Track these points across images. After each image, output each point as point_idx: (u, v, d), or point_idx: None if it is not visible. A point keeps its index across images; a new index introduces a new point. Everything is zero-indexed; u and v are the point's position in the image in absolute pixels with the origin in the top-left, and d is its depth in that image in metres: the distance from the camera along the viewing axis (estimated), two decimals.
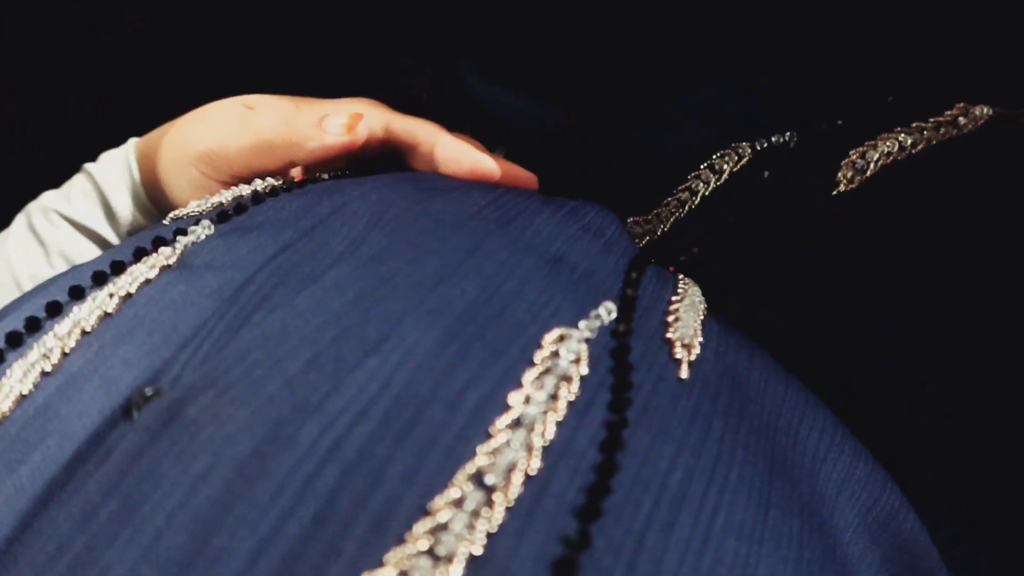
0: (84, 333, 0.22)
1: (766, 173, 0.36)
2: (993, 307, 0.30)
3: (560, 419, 0.19)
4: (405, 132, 0.34)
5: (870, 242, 0.33)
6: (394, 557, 0.16)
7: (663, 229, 0.37)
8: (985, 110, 0.36)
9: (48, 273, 0.38)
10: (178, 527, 0.16)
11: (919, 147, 0.35)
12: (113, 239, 0.38)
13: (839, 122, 0.36)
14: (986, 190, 0.34)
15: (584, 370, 0.21)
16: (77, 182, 0.39)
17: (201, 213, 0.29)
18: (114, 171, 0.38)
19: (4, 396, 0.21)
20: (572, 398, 0.20)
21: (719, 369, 0.25)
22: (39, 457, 0.18)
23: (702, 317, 0.27)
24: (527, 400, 0.19)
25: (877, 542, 0.27)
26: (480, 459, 0.18)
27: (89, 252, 0.38)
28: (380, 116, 0.34)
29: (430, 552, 0.16)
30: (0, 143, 0.43)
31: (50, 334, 0.22)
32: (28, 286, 0.38)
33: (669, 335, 0.24)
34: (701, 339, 0.25)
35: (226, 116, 0.35)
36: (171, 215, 0.30)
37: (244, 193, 0.31)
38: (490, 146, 0.40)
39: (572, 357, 0.21)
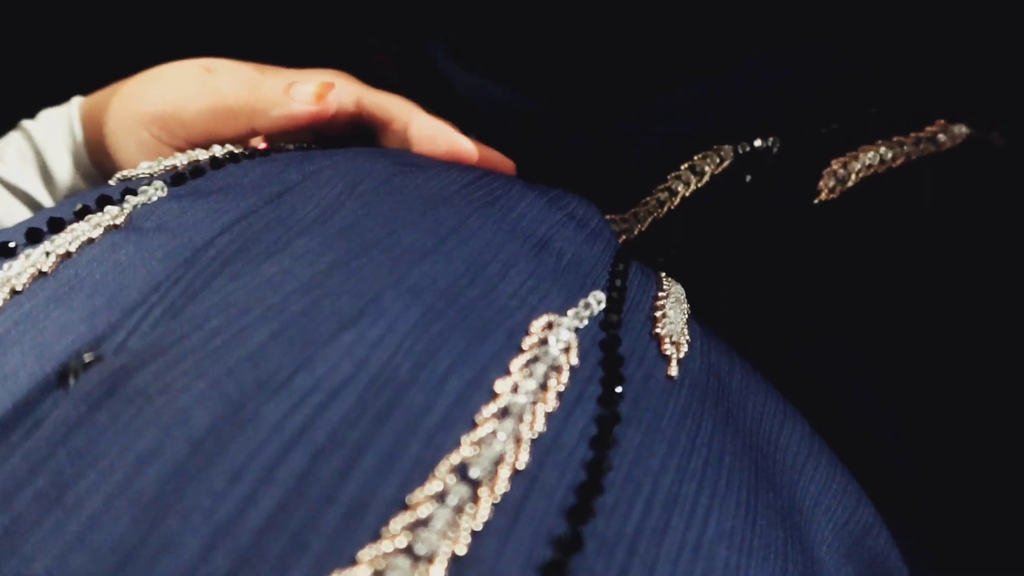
0: (14, 292, 0.20)
1: (748, 177, 0.35)
2: (962, 334, 0.30)
3: (550, 411, 0.18)
4: (378, 107, 0.32)
5: (843, 257, 0.33)
6: (368, 555, 0.14)
7: (640, 228, 0.35)
8: (963, 129, 0.36)
9: None
10: (118, 512, 0.14)
11: (898, 161, 0.35)
12: (48, 204, 0.35)
13: (822, 130, 0.35)
14: (961, 210, 0.34)
15: (574, 360, 0.19)
16: (11, 140, 0.36)
17: (152, 175, 0.27)
18: (54, 129, 0.35)
19: None
20: (562, 389, 0.19)
21: (704, 369, 0.24)
22: None
23: (686, 316, 0.26)
24: (515, 389, 0.18)
25: (851, 558, 0.26)
26: (465, 450, 0.16)
27: (20, 216, 0.35)
28: (351, 89, 0.32)
29: (408, 550, 0.15)
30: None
31: None
32: None
33: (657, 330, 0.23)
34: (687, 337, 0.24)
35: (184, 77, 0.32)
36: (118, 175, 0.28)
37: (201, 158, 0.28)
38: (462, 132, 0.38)
39: (562, 346, 0.19)
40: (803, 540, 0.24)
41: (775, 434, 0.26)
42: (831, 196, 0.34)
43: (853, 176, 0.34)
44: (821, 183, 0.34)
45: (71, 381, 0.16)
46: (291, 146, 0.31)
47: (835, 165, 0.34)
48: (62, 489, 0.14)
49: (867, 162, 0.35)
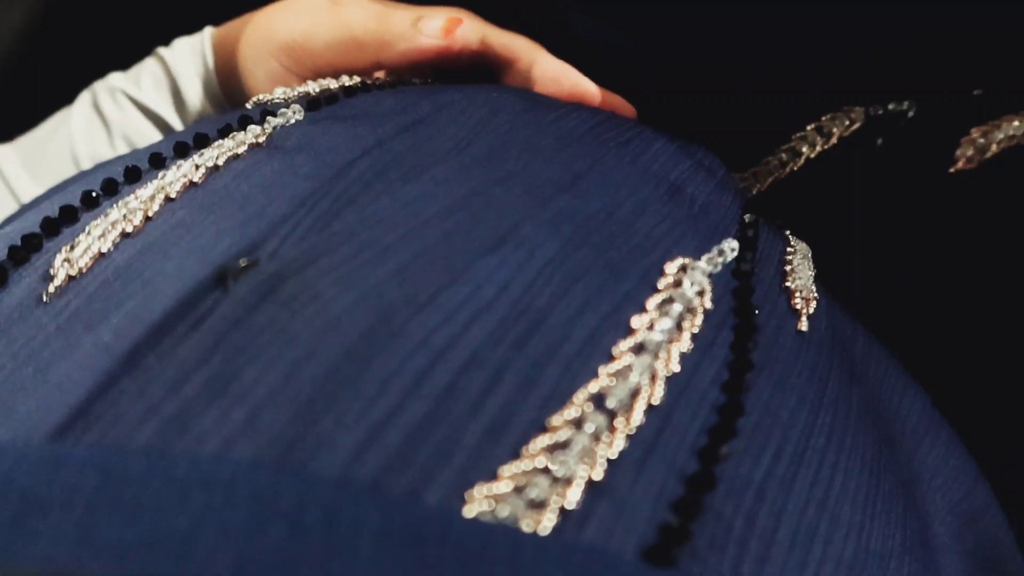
0: (168, 200, 0.21)
1: (879, 141, 0.33)
2: None
3: (684, 351, 0.18)
4: (502, 46, 0.32)
5: (978, 230, 0.31)
6: (509, 471, 0.15)
7: (759, 188, 0.34)
8: None
9: (110, 154, 0.36)
10: (280, 405, 0.14)
11: None
12: (179, 128, 0.37)
13: (963, 96, 0.33)
14: None
15: (708, 304, 0.19)
16: (147, 65, 0.37)
17: (287, 100, 0.27)
18: (187, 57, 0.36)
19: (81, 252, 0.19)
20: (696, 331, 0.18)
21: (830, 330, 0.23)
22: (122, 316, 0.17)
23: (813, 273, 0.25)
24: (651, 326, 0.18)
25: (963, 536, 0.25)
26: (602, 380, 0.16)
27: (154, 138, 0.36)
28: (477, 26, 0.32)
29: (546, 471, 0.15)
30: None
31: (131, 196, 0.21)
32: (87, 166, 0.36)
33: (788, 284, 0.22)
34: (816, 295, 0.24)
35: (314, 8, 0.33)
36: (254, 99, 0.29)
37: (332, 86, 0.29)
38: None
39: (697, 289, 0.19)
40: (918, 511, 0.23)
41: (895, 402, 0.25)
42: (968, 166, 0.32)
43: (994, 146, 0.32)
44: (959, 151, 0.32)
45: (230, 283, 0.17)
46: (416, 80, 0.31)
47: (975, 133, 0.32)
48: (227, 381, 0.15)
49: (1010, 132, 0.33)
